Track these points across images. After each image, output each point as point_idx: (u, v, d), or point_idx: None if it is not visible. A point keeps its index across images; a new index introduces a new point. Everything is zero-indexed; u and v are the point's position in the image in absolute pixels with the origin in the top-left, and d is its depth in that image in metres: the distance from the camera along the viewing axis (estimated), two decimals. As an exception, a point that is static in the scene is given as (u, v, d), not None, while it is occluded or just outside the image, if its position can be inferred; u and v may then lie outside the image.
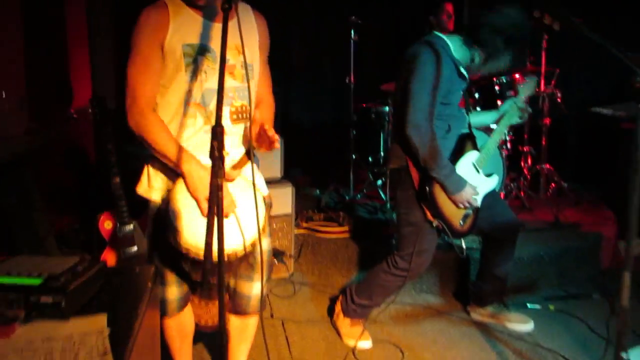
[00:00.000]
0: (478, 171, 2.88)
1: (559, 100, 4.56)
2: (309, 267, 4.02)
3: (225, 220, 1.81)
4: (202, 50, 1.98)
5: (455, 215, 2.79)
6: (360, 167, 4.94)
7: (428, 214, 2.74)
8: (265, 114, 2.22)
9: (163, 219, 1.93)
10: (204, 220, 1.78)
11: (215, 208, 1.35)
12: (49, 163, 3.89)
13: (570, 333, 3.17)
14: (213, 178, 1.36)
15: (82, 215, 4.26)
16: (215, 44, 1.98)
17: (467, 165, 2.84)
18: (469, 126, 2.96)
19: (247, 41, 2.07)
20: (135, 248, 3.07)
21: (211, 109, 2.00)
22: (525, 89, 3.10)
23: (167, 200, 1.92)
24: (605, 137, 5.49)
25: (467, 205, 2.77)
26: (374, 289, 3.00)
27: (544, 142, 4.73)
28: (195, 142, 2.01)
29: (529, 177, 4.79)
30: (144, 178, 2.12)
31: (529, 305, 3.48)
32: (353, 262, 3.94)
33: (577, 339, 3.11)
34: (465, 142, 2.90)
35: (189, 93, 1.99)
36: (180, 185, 1.93)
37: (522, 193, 4.68)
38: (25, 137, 3.34)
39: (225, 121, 2.02)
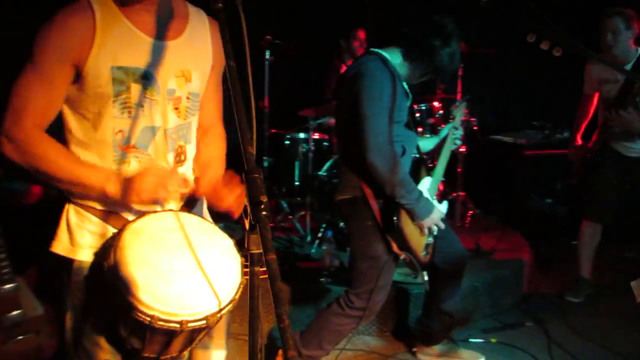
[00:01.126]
0: (432, 198, 2.70)
1: (475, 128, 4.59)
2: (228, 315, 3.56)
3: (192, 279, 1.45)
4: (140, 76, 1.51)
5: (420, 245, 2.57)
6: (274, 197, 4.60)
7: (394, 246, 2.50)
8: (214, 150, 1.80)
9: (101, 284, 1.46)
10: (172, 274, 1.43)
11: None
12: None
13: (518, 366, 3.07)
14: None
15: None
16: (160, 71, 1.54)
17: (423, 192, 2.63)
18: (418, 149, 2.79)
19: (200, 62, 1.67)
20: (19, 312, 2.43)
21: (150, 153, 1.57)
22: (459, 112, 3.04)
23: (110, 262, 1.43)
24: (506, 163, 5.68)
25: (434, 229, 2.57)
26: (324, 336, 2.67)
27: (459, 170, 4.73)
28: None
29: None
30: (62, 231, 1.60)
31: (471, 340, 3.34)
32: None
33: (528, 372, 3.01)
34: (420, 167, 2.72)
35: (119, 132, 1.53)
36: (128, 235, 1.47)
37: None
38: None
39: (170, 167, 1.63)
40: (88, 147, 1.56)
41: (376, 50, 2.59)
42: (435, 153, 2.93)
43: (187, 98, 1.63)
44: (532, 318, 3.66)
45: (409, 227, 2.50)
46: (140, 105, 1.53)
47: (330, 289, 3.48)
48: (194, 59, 1.64)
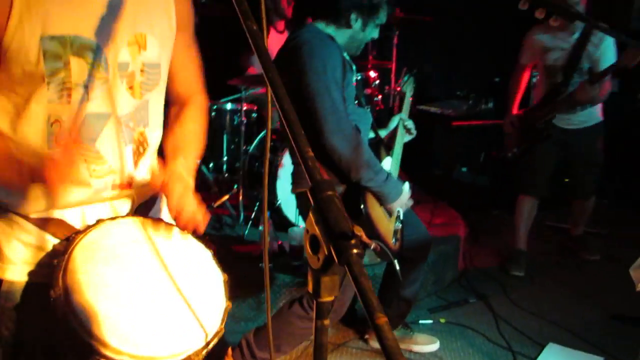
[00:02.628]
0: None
1: (410, 98, 4.43)
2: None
3: (168, 309, 1.16)
4: (82, 48, 1.15)
5: (389, 232, 2.35)
6: (201, 174, 4.21)
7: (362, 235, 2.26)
8: (191, 130, 1.47)
9: (46, 317, 1.11)
10: (142, 303, 1.13)
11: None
12: None
13: (472, 346, 3.01)
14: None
15: None
16: (109, 38, 1.18)
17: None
18: (374, 128, 2.57)
19: (157, 22, 1.31)
20: None
21: (98, 148, 1.22)
22: (409, 87, 2.86)
23: (58, 289, 1.08)
24: (438, 134, 5.64)
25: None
26: (283, 339, 2.42)
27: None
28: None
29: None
30: None
31: (421, 321, 3.23)
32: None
33: (481, 352, 2.96)
34: (379, 147, 2.51)
35: (56, 123, 1.17)
36: (80, 252, 1.13)
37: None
38: None
39: (127, 168, 1.29)
40: (14, 142, 1.18)
41: (311, 23, 2.32)
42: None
43: (142, 71, 1.28)
44: (474, 294, 3.62)
45: (376, 213, 2.28)
46: (84, 86, 1.17)
47: (273, 275, 3.22)
48: (149, 17, 1.27)
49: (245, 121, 3.93)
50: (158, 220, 1.33)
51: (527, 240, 3.99)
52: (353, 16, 2.26)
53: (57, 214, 1.23)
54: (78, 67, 1.16)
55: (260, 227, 3.46)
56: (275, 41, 4.73)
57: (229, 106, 4.12)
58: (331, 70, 2.15)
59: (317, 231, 0.64)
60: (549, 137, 3.67)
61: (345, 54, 2.31)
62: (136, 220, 1.27)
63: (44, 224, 1.22)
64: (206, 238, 1.34)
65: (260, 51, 0.79)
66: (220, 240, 3.68)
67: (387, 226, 2.35)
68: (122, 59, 1.22)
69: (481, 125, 5.22)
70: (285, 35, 4.77)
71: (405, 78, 3.04)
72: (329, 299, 0.68)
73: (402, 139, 2.65)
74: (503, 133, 4.00)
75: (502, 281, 3.81)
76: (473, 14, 5.93)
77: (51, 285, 1.09)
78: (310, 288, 0.69)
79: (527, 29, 3.74)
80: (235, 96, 4.05)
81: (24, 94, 1.15)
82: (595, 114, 3.69)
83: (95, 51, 1.17)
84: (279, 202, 3.66)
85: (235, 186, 3.98)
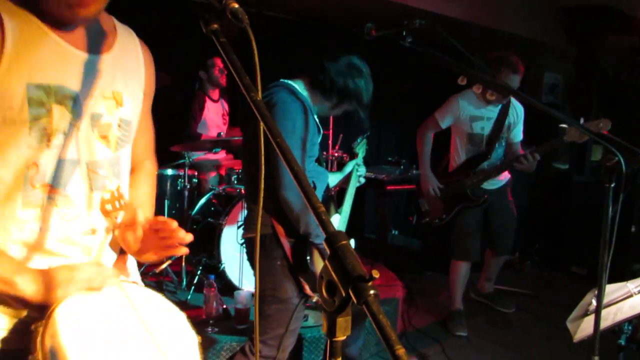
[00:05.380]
0: None
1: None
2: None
3: None
4: (64, 97, 1.21)
5: None
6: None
7: (306, 287, 2.34)
8: (144, 194, 1.53)
9: None
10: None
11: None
12: None
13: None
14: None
15: None
16: (88, 90, 1.25)
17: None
18: (327, 186, 2.69)
19: (131, 84, 1.39)
20: None
21: (69, 193, 1.25)
22: (362, 148, 3.02)
23: (37, 357, 1.07)
24: (369, 199, 5.85)
25: None
26: None
27: (332, 207, 4.72)
28: (39, 245, 1.23)
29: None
30: None
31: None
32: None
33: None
34: (329, 204, 2.62)
35: (33, 166, 1.20)
36: (61, 316, 1.12)
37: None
38: None
39: (94, 213, 1.31)
40: None
41: (283, 80, 2.45)
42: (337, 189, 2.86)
43: (119, 126, 1.34)
44: (415, 353, 3.72)
45: (320, 267, 2.36)
46: (63, 132, 1.22)
47: (217, 339, 3.19)
48: (125, 79, 1.36)
49: (188, 186, 3.96)
50: (133, 282, 1.36)
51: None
52: (335, 97, 2.41)
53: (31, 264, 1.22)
54: (59, 114, 1.20)
55: (205, 292, 3.44)
56: (213, 110, 4.86)
57: (169, 172, 4.14)
58: (299, 129, 2.26)
59: (334, 276, 0.73)
60: (485, 202, 3.93)
61: (315, 116, 2.43)
62: (115, 283, 1.29)
63: None
64: None
65: (265, 118, 0.88)
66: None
67: None
68: (96, 110, 1.28)
69: (412, 190, 5.47)
70: (220, 104, 4.92)
71: (359, 140, 3.20)
72: (342, 338, 0.76)
73: (353, 189, 2.78)
74: (417, 196, 4.17)
75: (441, 340, 3.93)
76: (396, 83, 6.33)
77: (30, 351, 1.08)
78: (324, 329, 0.76)
79: (448, 93, 3.98)
80: (179, 162, 4.08)
81: (4, 140, 1.16)
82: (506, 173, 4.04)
83: (75, 100, 1.22)
84: (223, 266, 3.67)
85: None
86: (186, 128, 4.64)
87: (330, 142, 4.62)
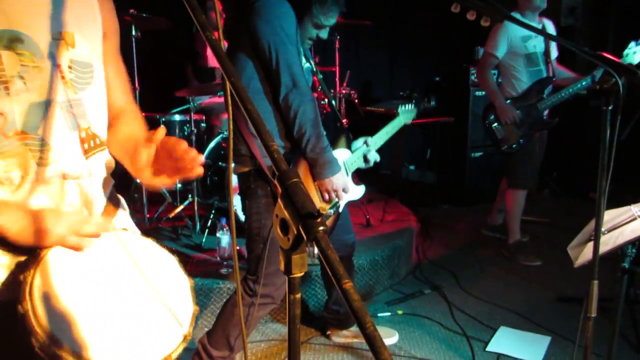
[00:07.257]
0: (347, 173, 2.57)
1: (355, 101, 4.56)
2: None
3: (147, 316, 1.19)
4: (10, 40, 1.18)
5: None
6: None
7: None
8: (136, 128, 1.50)
9: (14, 337, 1.10)
10: (123, 312, 1.16)
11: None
12: None
13: (429, 335, 3.12)
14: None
15: None
16: (33, 28, 1.21)
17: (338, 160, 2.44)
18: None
19: (85, 25, 1.34)
20: None
21: (43, 137, 1.22)
22: (408, 114, 2.97)
23: (26, 305, 1.07)
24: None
25: (333, 196, 2.37)
26: (230, 332, 2.39)
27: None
28: (22, 192, 1.22)
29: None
30: None
31: (379, 314, 3.34)
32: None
33: (439, 339, 3.07)
34: (340, 135, 2.57)
35: (0, 116, 1.17)
36: (52, 260, 1.14)
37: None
38: None
39: (76, 156, 1.30)
40: None
41: None
42: None
43: (69, 67, 1.29)
44: (428, 285, 3.76)
45: (309, 187, 2.33)
46: (19, 76, 1.19)
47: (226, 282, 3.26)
48: (77, 19, 1.31)
49: (195, 131, 3.96)
50: (123, 228, 1.37)
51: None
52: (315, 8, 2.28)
53: None
54: (9, 59, 1.17)
55: (218, 234, 3.49)
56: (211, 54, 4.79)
57: (177, 117, 4.14)
58: (287, 27, 2.16)
59: (286, 214, 0.72)
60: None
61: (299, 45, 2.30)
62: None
63: None
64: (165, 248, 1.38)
65: (221, 58, 0.86)
66: (178, 249, 3.69)
67: (319, 206, 2.38)
68: (51, 50, 1.24)
69: (426, 123, 5.40)
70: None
71: (409, 107, 3.09)
72: (299, 274, 0.76)
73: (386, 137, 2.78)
74: (489, 124, 4.00)
75: (454, 272, 3.97)
76: (410, 16, 6.14)
77: (19, 300, 1.08)
78: (282, 266, 0.76)
79: (462, 30, 3.90)
80: (184, 107, 4.07)
81: None
82: None
83: (24, 42, 1.19)
84: (235, 208, 3.71)
85: (190, 196, 4.00)
86: (195, 65, 4.56)
87: (337, 79, 4.53)
